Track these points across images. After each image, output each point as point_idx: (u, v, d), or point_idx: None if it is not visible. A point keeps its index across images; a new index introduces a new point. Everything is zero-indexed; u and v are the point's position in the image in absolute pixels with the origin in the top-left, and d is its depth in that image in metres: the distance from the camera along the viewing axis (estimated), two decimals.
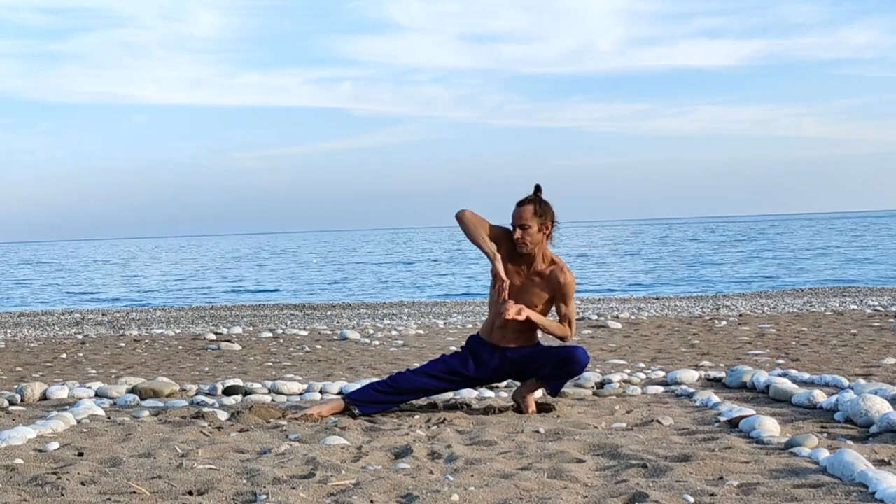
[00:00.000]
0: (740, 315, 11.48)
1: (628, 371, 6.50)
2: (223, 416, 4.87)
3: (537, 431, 4.32)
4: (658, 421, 4.51)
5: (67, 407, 5.25)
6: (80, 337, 11.13)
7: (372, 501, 3.09)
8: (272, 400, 5.57)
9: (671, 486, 3.19)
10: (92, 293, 27.81)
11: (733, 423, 4.30)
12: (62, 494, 3.21)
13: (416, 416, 4.82)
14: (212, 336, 10.41)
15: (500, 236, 4.87)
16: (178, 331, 11.73)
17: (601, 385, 5.78)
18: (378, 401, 4.93)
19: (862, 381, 5.37)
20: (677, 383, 5.86)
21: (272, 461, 3.74)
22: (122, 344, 9.85)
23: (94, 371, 7.57)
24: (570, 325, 4.94)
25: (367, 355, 8.22)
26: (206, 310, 16.93)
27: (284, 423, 4.68)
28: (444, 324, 11.61)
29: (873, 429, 4.03)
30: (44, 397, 5.71)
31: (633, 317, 11.83)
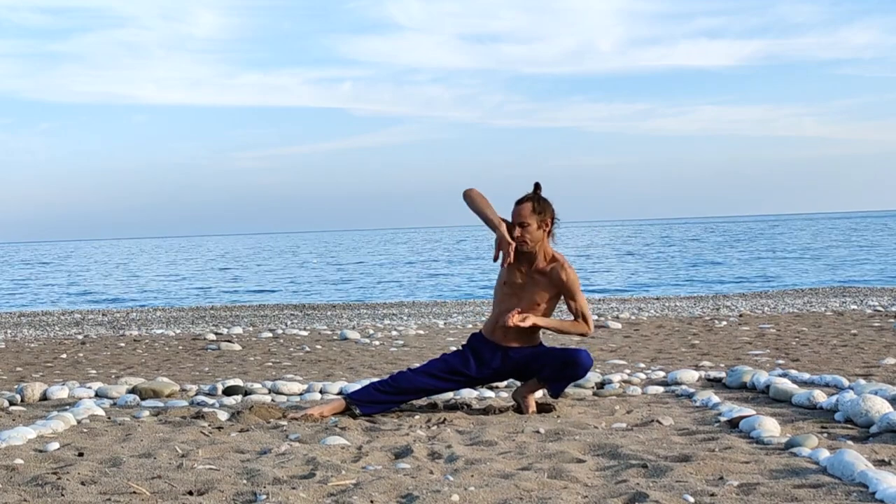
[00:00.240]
0: (740, 315, 11.48)
1: (628, 371, 6.50)
2: (223, 416, 4.87)
3: (537, 431, 4.32)
4: (658, 421, 4.51)
5: (67, 407, 5.25)
6: (80, 337, 11.13)
7: (372, 501, 3.09)
8: (272, 400, 5.57)
9: (671, 486, 3.19)
10: (92, 293, 27.81)
11: (733, 424, 4.30)
12: (62, 494, 3.21)
13: (416, 416, 4.82)
14: (212, 336, 10.41)
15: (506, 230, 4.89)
16: (178, 331, 11.73)
17: (601, 385, 5.78)
18: (379, 400, 4.93)
19: (862, 382, 5.37)
20: (677, 383, 5.86)
21: (272, 461, 3.74)
22: (122, 344, 9.85)
23: (94, 371, 7.57)
24: (585, 321, 4.93)
25: (367, 355, 8.22)
26: (206, 310, 16.93)
27: (284, 423, 4.68)
28: (444, 324, 11.61)
29: (873, 429, 4.03)
30: (44, 397, 5.71)
31: (633, 317, 11.83)
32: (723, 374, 5.97)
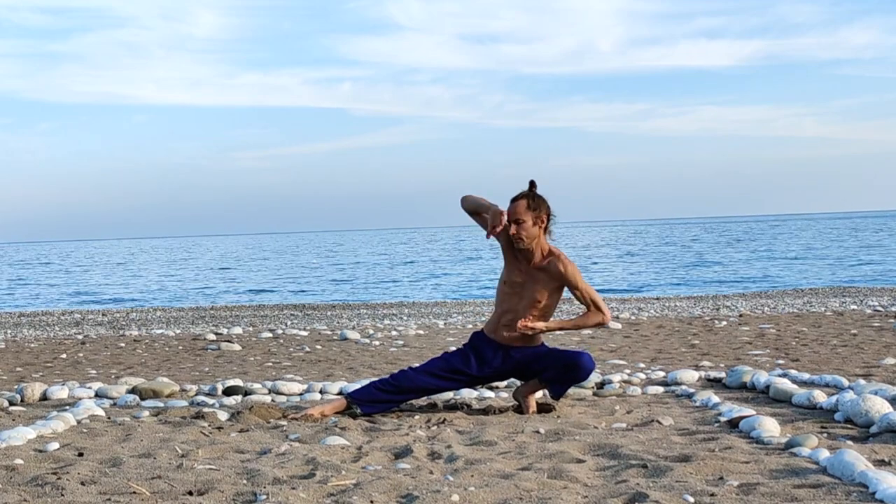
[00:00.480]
0: (740, 315, 11.48)
1: (628, 371, 6.50)
2: (223, 416, 4.87)
3: (537, 431, 4.32)
4: (658, 421, 4.51)
5: (67, 407, 5.25)
6: (80, 337, 11.13)
7: (372, 501, 3.09)
8: (272, 400, 5.56)
9: (671, 486, 3.19)
10: (92, 293, 27.81)
11: (733, 424, 4.30)
12: (62, 494, 3.21)
13: (416, 416, 4.82)
14: (212, 336, 10.41)
15: (502, 230, 4.89)
16: (178, 331, 11.73)
17: (601, 385, 5.78)
18: (380, 399, 4.92)
19: (862, 382, 5.37)
20: (677, 383, 5.86)
21: (272, 461, 3.74)
22: (122, 344, 9.85)
23: (94, 371, 7.57)
24: (598, 307, 4.88)
25: (367, 355, 8.22)
26: (206, 310, 16.93)
27: (284, 423, 4.68)
28: (444, 324, 11.61)
29: (873, 429, 4.03)
30: (44, 397, 5.71)
31: (633, 317, 11.83)
32: (723, 374, 5.97)
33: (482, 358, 4.96)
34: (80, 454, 3.93)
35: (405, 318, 13.30)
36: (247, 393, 5.78)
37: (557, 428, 4.39)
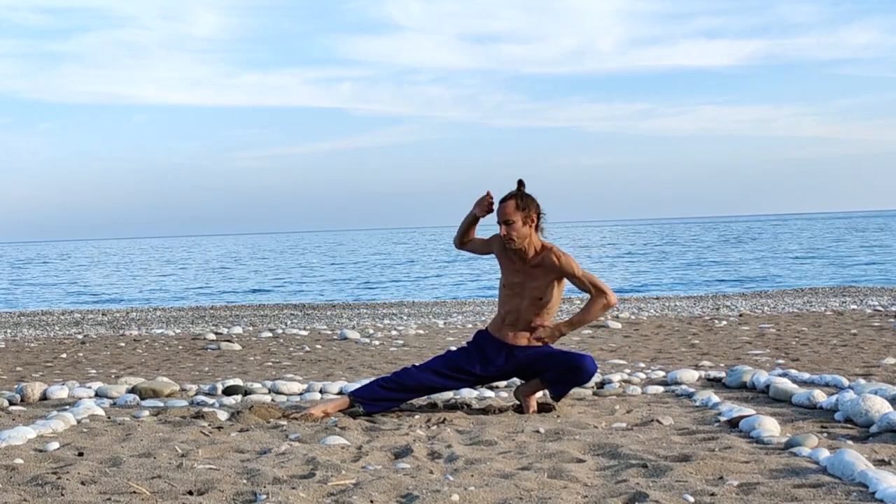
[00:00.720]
0: (740, 315, 11.48)
1: (628, 371, 6.50)
2: (223, 416, 4.87)
3: (537, 431, 4.32)
4: (658, 421, 4.51)
5: (67, 407, 5.25)
6: (80, 337, 11.13)
7: (372, 501, 3.09)
8: (272, 400, 5.56)
9: (671, 485, 3.19)
10: (92, 293, 27.81)
11: (733, 423, 4.30)
12: (62, 494, 3.21)
13: (416, 416, 4.82)
14: (212, 336, 10.41)
15: (493, 239, 4.97)
16: (178, 331, 11.73)
17: (601, 385, 5.78)
18: (383, 397, 4.92)
19: (862, 381, 5.37)
20: (677, 383, 5.86)
21: (272, 461, 3.74)
22: (122, 344, 9.85)
23: (94, 371, 7.57)
24: (599, 288, 4.83)
25: (367, 355, 8.22)
26: (206, 310, 16.93)
27: (284, 423, 4.68)
28: (444, 324, 11.61)
29: (873, 429, 4.03)
30: (44, 397, 5.71)
31: (633, 317, 11.83)
32: (723, 374, 5.97)
33: (486, 357, 4.97)
34: (80, 454, 3.93)
35: (405, 317, 13.30)
36: (247, 392, 5.78)
37: (557, 428, 4.40)
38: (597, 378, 5.87)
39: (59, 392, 5.74)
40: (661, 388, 5.65)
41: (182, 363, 8.00)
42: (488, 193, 4.87)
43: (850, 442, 3.88)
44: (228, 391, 5.80)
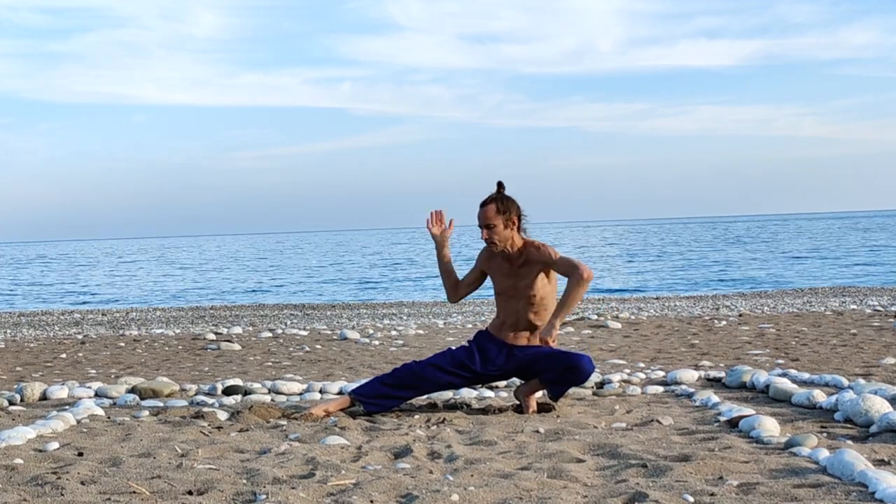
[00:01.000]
0: (740, 315, 11.48)
1: (628, 371, 6.50)
2: (223, 416, 4.87)
3: (537, 431, 4.32)
4: (658, 421, 4.51)
5: (67, 407, 5.25)
6: (79, 337, 11.13)
7: (372, 501, 3.09)
8: (272, 400, 5.57)
9: (671, 485, 3.19)
10: (92, 293, 27.81)
11: (733, 423, 4.30)
12: (62, 494, 3.21)
13: (416, 416, 4.82)
14: (212, 336, 10.41)
15: (477, 259, 5.08)
16: (177, 331, 11.73)
17: (601, 385, 5.78)
18: (383, 395, 4.92)
19: (862, 381, 5.37)
20: (677, 383, 5.86)
21: (272, 461, 3.74)
22: (122, 344, 9.85)
23: (93, 371, 7.57)
24: (573, 265, 4.74)
25: (367, 355, 8.22)
26: (206, 310, 16.93)
27: (284, 422, 4.68)
28: (444, 324, 11.62)
29: (873, 429, 4.03)
30: (44, 397, 5.71)
31: (632, 317, 11.83)
32: (722, 374, 5.97)
33: (486, 356, 4.97)
34: (80, 454, 3.93)
35: (405, 317, 13.30)
36: (246, 392, 5.78)
37: (557, 428, 4.40)
38: (597, 378, 5.87)
39: (59, 392, 5.74)
40: (660, 388, 5.65)
41: (182, 363, 8.00)
42: (432, 213, 5.03)
43: (849, 442, 3.89)
44: (228, 391, 5.80)
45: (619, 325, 10.35)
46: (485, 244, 4.94)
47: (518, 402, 4.98)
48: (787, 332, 9.24)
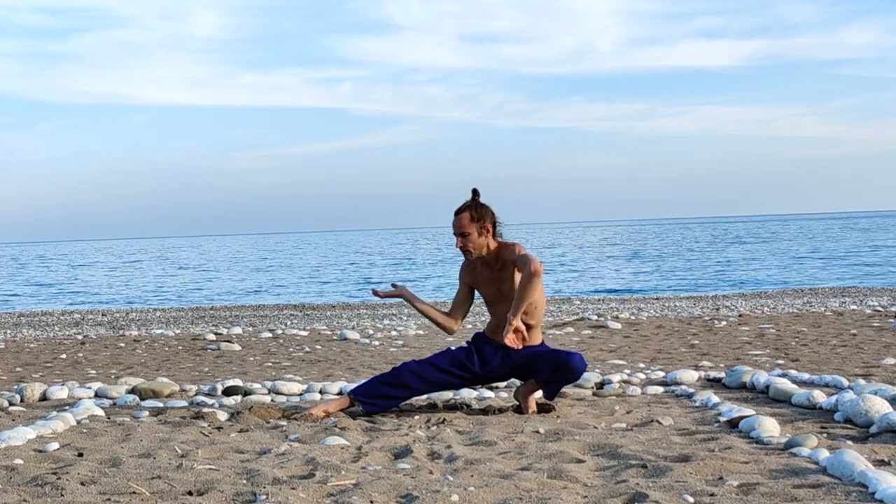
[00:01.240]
0: (740, 315, 11.48)
1: (628, 371, 6.50)
2: (223, 416, 4.87)
3: (537, 431, 4.32)
4: (658, 421, 4.51)
5: (67, 407, 5.25)
6: (79, 337, 11.13)
7: (372, 501, 3.09)
8: (272, 400, 5.57)
9: (671, 486, 3.19)
10: (92, 293, 27.81)
11: (733, 424, 4.30)
12: (62, 494, 3.21)
13: (416, 416, 4.82)
14: (212, 336, 10.41)
15: (460, 276, 5.10)
16: (177, 331, 11.73)
17: (601, 385, 5.78)
18: (383, 394, 4.91)
19: (862, 382, 5.37)
20: (677, 383, 5.86)
21: (272, 461, 3.74)
22: (122, 344, 9.85)
23: (93, 371, 7.57)
24: (525, 263, 4.69)
25: (366, 355, 8.22)
26: (205, 310, 16.93)
27: (284, 423, 4.68)
28: None
29: (873, 429, 4.03)
30: (44, 398, 5.71)
31: (632, 317, 11.83)
32: (722, 374, 5.97)
33: (483, 357, 4.99)
34: (80, 454, 3.93)
35: (405, 318, 13.30)
36: (246, 393, 5.78)
37: (557, 428, 4.40)
38: (597, 378, 5.87)
39: (59, 392, 5.74)
40: (660, 389, 5.65)
41: (182, 363, 8.00)
42: (372, 291, 5.14)
43: (849, 442, 3.88)
44: (228, 392, 5.80)
45: (619, 326, 10.35)
46: (464, 258, 4.97)
47: (518, 403, 4.99)
48: (787, 332, 9.24)
